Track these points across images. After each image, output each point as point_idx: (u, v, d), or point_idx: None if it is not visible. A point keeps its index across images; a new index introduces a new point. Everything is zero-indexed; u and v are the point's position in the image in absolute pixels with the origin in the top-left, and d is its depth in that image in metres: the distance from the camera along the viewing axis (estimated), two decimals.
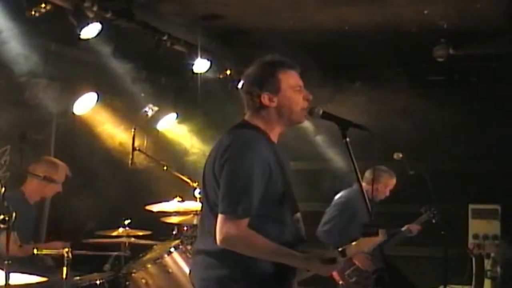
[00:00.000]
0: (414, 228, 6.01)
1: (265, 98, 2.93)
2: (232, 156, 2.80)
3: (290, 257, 2.80)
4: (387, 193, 5.85)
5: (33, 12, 4.73)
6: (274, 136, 3.00)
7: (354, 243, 2.86)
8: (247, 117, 3.02)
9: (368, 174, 5.50)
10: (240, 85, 3.09)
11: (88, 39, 5.15)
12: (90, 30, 5.06)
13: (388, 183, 5.83)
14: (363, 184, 5.74)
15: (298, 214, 2.97)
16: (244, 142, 2.85)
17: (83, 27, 4.98)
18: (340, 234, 5.53)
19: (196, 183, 5.31)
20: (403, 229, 6.02)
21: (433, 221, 5.98)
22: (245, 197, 2.75)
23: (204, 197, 2.97)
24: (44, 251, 4.85)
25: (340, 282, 5.53)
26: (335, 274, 5.46)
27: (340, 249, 2.86)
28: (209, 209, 2.89)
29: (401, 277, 5.82)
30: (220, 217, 2.78)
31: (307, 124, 7.22)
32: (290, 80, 2.96)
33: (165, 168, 5.66)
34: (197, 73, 6.50)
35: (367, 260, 5.44)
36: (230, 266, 2.83)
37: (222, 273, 2.84)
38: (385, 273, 5.24)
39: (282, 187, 2.88)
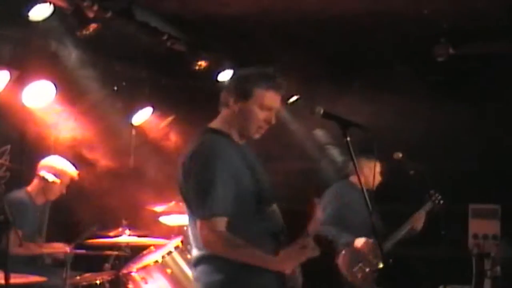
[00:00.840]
0: (418, 222, 5.79)
1: (231, 99, 2.99)
2: (196, 162, 2.87)
3: (262, 261, 2.83)
4: (379, 177, 5.70)
5: None
6: (236, 137, 3.03)
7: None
8: (213, 122, 3.07)
9: (351, 165, 5.51)
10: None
11: (87, 39, 5.14)
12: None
13: (371, 165, 5.54)
14: (354, 177, 5.77)
15: (274, 206, 3.03)
16: (207, 147, 2.91)
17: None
18: (335, 225, 5.54)
19: None
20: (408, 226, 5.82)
21: (438, 205, 5.83)
22: (210, 198, 2.80)
23: (185, 203, 3.00)
24: (45, 251, 4.86)
25: (349, 279, 5.53)
26: (342, 269, 5.47)
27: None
28: (192, 215, 2.94)
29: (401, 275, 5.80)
30: (197, 223, 2.85)
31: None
32: (265, 98, 2.96)
33: (165, 168, 5.67)
34: (197, 73, 6.49)
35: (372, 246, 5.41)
36: (231, 270, 2.85)
37: (226, 277, 2.87)
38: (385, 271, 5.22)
39: (252, 185, 2.93)
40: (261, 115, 2.96)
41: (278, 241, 2.92)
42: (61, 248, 4.89)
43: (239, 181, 2.88)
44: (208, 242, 2.82)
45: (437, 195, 5.86)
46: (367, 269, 5.46)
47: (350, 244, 5.48)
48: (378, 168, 5.66)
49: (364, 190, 2.97)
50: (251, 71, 3.01)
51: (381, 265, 5.40)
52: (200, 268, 2.95)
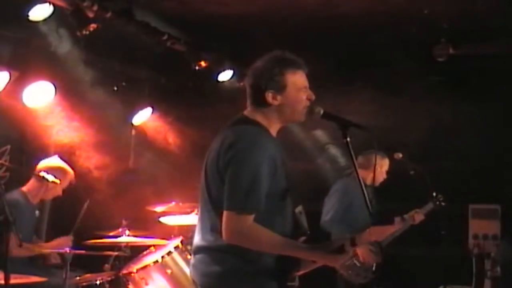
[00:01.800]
0: (418, 217, 5.82)
1: (269, 96, 2.92)
2: (239, 153, 2.80)
3: (296, 250, 2.84)
4: (385, 175, 5.78)
5: None
6: (273, 132, 3.00)
7: (366, 231, 2.89)
8: (247, 112, 3.01)
9: (361, 160, 5.52)
10: (246, 78, 3.08)
11: (87, 39, 5.14)
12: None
13: (382, 164, 5.75)
14: (361, 171, 5.77)
15: (300, 207, 3.01)
16: (250, 138, 2.85)
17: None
18: (342, 222, 5.54)
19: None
20: (405, 216, 5.84)
21: (439, 209, 5.85)
22: (253, 193, 2.76)
23: (205, 194, 2.94)
24: (44, 251, 4.86)
25: (340, 273, 5.51)
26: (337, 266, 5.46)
27: (349, 237, 2.88)
28: (212, 206, 2.88)
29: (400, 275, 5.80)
30: (226, 213, 2.77)
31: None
32: (297, 80, 2.95)
33: (165, 168, 5.67)
34: (197, 74, 6.49)
35: (369, 252, 5.41)
36: (232, 262, 2.84)
37: (224, 269, 2.84)
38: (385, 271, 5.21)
39: (285, 183, 2.90)
40: (302, 96, 2.94)
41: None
42: (63, 244, 4.89)
43: (277, 175, 2.85)
44: (235, 235, 2.77)
45: (439, 196, 5.86)
46: (361, 264, 5.44)
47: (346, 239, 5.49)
48: (387, 167, 5.77)
49: (363, 188, 2.96)
50: (268, 62, 2.95)
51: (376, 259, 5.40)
52: (199, 257, 2.93)
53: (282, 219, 2.91)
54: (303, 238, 2.96)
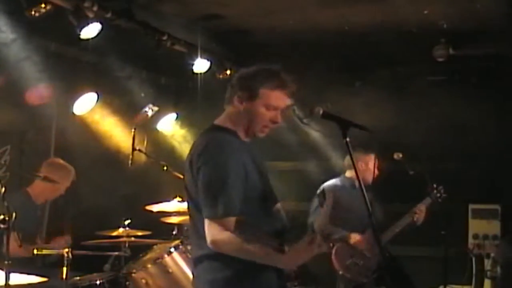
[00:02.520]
0: (419, 212, 5.72)
1: (236, 99, 2.96)
2: (207, 160, 2.84)
3: (271, 259, 2.82)
4: (375, 171, 5.45)
5: (33, 12, 4.72)
6: (243, 136, 3.01)
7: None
8: (218, 119, 3.06)
9: (346, 161, 5.54)
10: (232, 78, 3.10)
11: (88, 39, 5.15)
12: (90, 30, 5.07)
13: (366, 159, 5.59)
14: (349, 172, 5.75)
15: (278, 205, 3.03)
16: (216, 145, 2.89)
17: (83, 27, 4.99)
18: (331, 220, 5.52)
19: None
20: (407, 219, 5.73)
21: (439, 200, 5.79)
22: (223, 197, 2.78)
23: (191, 202, 2.97)
24: (44, 251, 4.85)
25: (340, 272, 5.52)
26: (335, 264, 5.46)
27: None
28: (198, 213, 2.90)
29: (401, 275, 5.79)
30: (205, 222, 2.82)
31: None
32: (271, 98, 2.94)
33: (165, 168, 5.66)
34: (197, 73, 6.49)
35: (368, 243, 5.41)
36: (235, 267, 2.84)
37: (229, 274, 2.86)
38: (385, 271, 5.21)
39: (260, 184, 2.93)
40: (267, 115, 2.93)
41: (283, 240, 2.93)
42: (61, 243, 4.89)
43: (247, 179, 2.86)
44: (216, 241, 2.78)
45: (439, 188, 5.82)
46: (361, 263, 5.45)
47: (345, 239, 5.48)
48: (373, 162, 5.57)
49: (362, 185, 2.96)
50: (256, 70, 2.98)
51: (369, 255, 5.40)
52: (202, 266, 2.94)
53: (270, 218, 2.94)
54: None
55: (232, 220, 2.79)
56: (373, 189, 5.50)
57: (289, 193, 6.47)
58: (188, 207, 3.02)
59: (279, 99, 2.94)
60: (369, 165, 5.58)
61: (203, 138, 2.98)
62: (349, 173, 5.82)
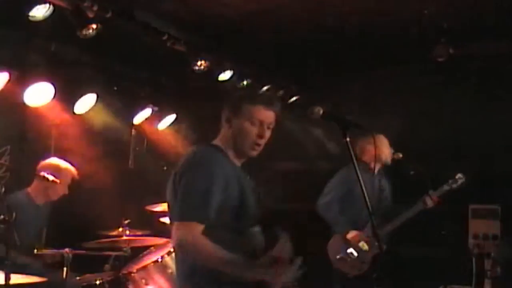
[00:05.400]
0: (430, 200, 5.63)
1: (225, 120, 3.10)
2: (189, 169, 2.95)
3: (239, 268, 2.84)
4: (387, 150, 5.56)
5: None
6: (236, 157, 3.09)
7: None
8: (214, 140, 3.16)
9: (358, 146, 5.50)
10: None
11: (88, 39, 5.14)
12: (90, 30, 5.03)
13: (370, 141, 5.26)
14: (364, 156, 5.66)
15: (257, 228, 3.06)
16: (200, 155, 3.00)
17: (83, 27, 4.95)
18: (337, 208, 5.55)
19: None
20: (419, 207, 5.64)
21: (454, 186, 5.69)
22: (201, 204, 2.85)
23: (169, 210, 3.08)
24: (44, 251, 4.85)
25: (335, 266, 5.51)
26: (330, 256, 5.47)
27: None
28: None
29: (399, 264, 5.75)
30: (175, 224, 2.89)
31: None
32: (253, 114, 3.04)
33: (165, 168, 5.66)
34: (197, 73, 6.49)
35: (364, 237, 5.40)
36: (203, 274, 2.89)
37: (197, 281, 2.92)
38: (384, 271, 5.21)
39: (238, 201, 2.97)
40: (253, 130, 3.03)
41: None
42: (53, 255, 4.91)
43: (225, 193, 2.92)
44: (180, 244, 2.86)
45: (458, 176, 5.75)
46: (354, 256, 5.44)
47: (342, 233, 5.49)
48: (380, 140, 5.55)
49: (360, 180, 2.97)
50: (240, 89, 3.20)
51: (366, 247, 5.37)
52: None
53: (236, 236, 2.95)
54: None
55: (198, 226, 2.84)
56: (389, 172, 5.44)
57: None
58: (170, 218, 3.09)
59: (262, 114, 3.04)
60: (373, 144, 5.22)
61: (191, 149, 3.10)
62: (363, 158, 5.71)
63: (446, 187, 5.73)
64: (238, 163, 3.12)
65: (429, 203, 5.63)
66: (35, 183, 5.11)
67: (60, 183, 5.07)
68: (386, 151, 5.63)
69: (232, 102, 3.09)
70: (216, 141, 3.13)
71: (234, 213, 2.95)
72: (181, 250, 2.92)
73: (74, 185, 5.31)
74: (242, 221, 2.98)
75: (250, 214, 3.02)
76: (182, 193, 2.91)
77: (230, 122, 3.07)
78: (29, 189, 5.12)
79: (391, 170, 5.90)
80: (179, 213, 2.89)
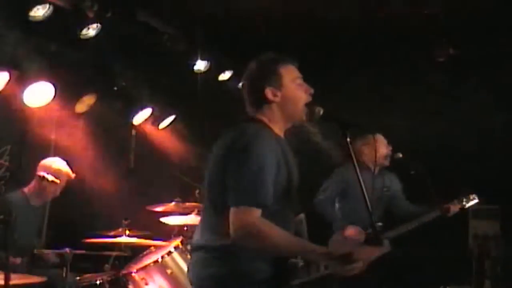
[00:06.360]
0: (452, 208, 5.53)
1: (269, 93, 2.93)
2: (243, 149, 2.75)
3: (308, 250, 2.73)
4: (384, 149, 5.51)
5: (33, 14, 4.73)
6: (278, 131, 2.97)
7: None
8: (249, 114, 3.00)
9: (357, 145, 5.41)
10: (241, 84, 3.07)
11: (88, 39, 5.15)
12: (90, 30, 5.06)
13: (369, 142, 5.38)
14: (363, 155, 5.66)
15: (302, 216, 2.99)
16: (253, 134, 2.80)
17: (83, 27, 4.99)
18: (334, 205, 5.55)
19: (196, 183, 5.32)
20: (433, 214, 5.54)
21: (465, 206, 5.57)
22: (260, 187, 2.70)
23: (208, 194, 2.91)
24: (44, 251, 4.86)
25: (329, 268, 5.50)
26: None
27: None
28: (213, 207, 2.85)
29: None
30: (233, 209, 2.69)
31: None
32: (291, 74, 2.97)
33: (165, 168, 5.67)
34: (197, 73, 6.49)
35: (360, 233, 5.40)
36: (228, 265, 2.78)
37: (219, 272, 2.79)
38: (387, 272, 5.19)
39: (286, 183, 2.83)
40: (300, 90, 2.95)
41: None
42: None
43: (279, 173, 2.79)
44: (243, 230, 2.66)
45: (472, 196, 5.65)
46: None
47: (340, 231, 5.49)
48: (378, 141, 5.51)
49: (360, 179, 2.95)
50: (261, 63, 3.01)
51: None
52: (196, 257, 2.89)
53: (281, 222, 2.78)
54: None
55: (259, 212, 2.69)
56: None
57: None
58: (205, 198, 2.96)
59: (295, 70, 3.00)
60: (373, 146, 5.37)
61: (237, 128, 2.89)
62: (362, 157, 5.70)
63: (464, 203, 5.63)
64: (282, 135, 2.99)
65: (452, 210, 5.54)
66: (33, 183, 5.09)
67: (58, 183, 5.07)
68: (384, 151, 5.63)
69: (268, 77, 2.93)
70: (257, 116, 2.96)
71: (281, 198, 2.80)
72: (243, 236, 2.67)
73: (74, 185, 5.31)
74: (286, 208, 2.86)
75: (295, 200, 2.91)
76: (238, 177, 2.71)
77: (276, 96, 2.92)
78: (26, 190, 5.09)
79: (391, 170, 5.90)
80: (239, 198, 2.69)
